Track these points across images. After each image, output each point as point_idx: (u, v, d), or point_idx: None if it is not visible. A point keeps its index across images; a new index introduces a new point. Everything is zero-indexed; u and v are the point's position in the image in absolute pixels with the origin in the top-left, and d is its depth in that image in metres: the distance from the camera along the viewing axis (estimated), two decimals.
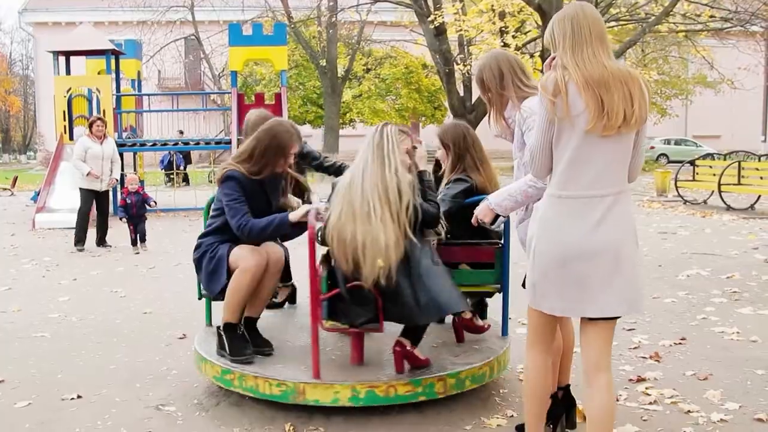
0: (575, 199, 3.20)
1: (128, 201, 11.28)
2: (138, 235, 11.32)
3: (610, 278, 3.19)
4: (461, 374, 4.34)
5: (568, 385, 4.08)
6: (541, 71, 16.53)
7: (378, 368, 4.41)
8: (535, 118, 3.56)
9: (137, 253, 11.17)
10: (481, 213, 3.95)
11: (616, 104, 3.09)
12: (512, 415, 4.36)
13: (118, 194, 15.62)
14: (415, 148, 4.43)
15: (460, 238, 4.81)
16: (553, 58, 3.25)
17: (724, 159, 20.75)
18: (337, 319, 4.34)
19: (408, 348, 4.29)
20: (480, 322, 4.93)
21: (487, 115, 4.06)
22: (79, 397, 4.82)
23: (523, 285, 3.91)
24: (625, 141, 3.19)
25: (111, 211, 12.42)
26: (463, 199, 4.70)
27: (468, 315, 4.81)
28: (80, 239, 11.51)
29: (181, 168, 25.84)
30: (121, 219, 11.44)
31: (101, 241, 11.66)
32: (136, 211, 11.29)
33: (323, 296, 4.26)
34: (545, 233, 3.26)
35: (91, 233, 11.69)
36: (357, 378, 4.24)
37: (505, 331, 5.04)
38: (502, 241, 4.77)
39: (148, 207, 11.45)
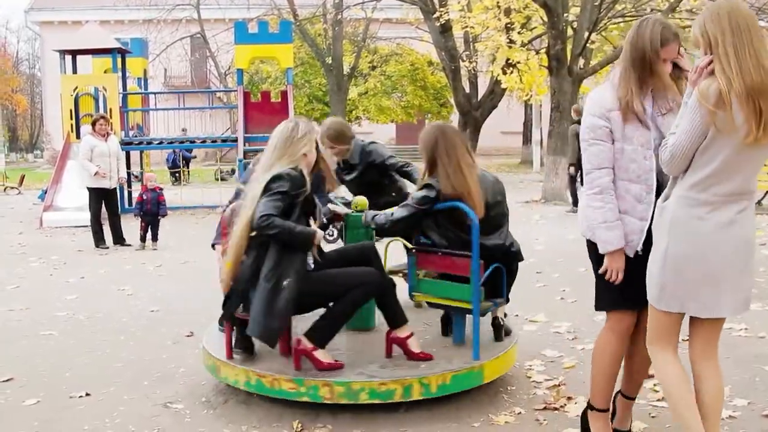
0: (713, 203, 3.17)
1: (144, 197, 11.38)
2: (151, 233, 11.39)
3: (741, 277, 3.26)
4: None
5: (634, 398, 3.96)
6: (548, 68, 16.19)
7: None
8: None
9: (139, 249, 11.23)
10: (613, 265, 3.51)
11: None
12: (520, 412, 4.35)
13: (125, 192, 15.67)
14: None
15: (437, 246, 4.65)
16: (710, 62, 3.06)
17: None
18: None
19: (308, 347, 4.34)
20: (415, 350, 4.51)
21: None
22: (87, 395, 4.84)
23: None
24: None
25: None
26: (420, 204, 4.58)
27: (404, 333, 4.53)
28: (100, 239, 11.56)
29: (183, 166, 25.85)
30: (135, 216, 11.54)
31: (119, 240, 11.69)
32: (150, 209, 11.35)
33: None
34: (679, 234, 3.21)
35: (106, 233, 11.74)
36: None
37: (476, 355, 4.49)
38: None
39: (160, 211, 11.47)
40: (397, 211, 4.68)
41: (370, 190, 5.66)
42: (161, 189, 11.85)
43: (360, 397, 4.19)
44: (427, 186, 4.60)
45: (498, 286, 4.66)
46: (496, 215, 4.69)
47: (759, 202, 16.59)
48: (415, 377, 4.23)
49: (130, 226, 12.20)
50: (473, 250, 4.36)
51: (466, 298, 4.47)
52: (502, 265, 4.61)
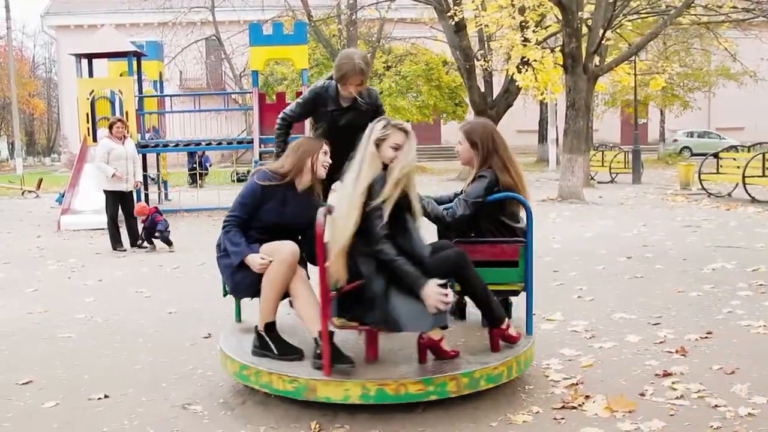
0: None
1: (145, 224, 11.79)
2: (162, 239, 11.52)
3: None
4: (475, 374, 4.29)
5: None
6: (563, 66, 16.12)
7: (391, 366, 4.40)
8: None
9: (149, 251, 11.41)
10: None
11: None
12: (538, 411, 4.34)
13: (141, 195, 15.73)
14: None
15: (484, 236, 4.88)
16: None
17: (748, 151, 20.65)
18: (346, 316, 4.42)
19: (435, 339, 4.36)
20: (513, 333, 4.71)
21: None
22: (105, 397, 4.85)
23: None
24: None
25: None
26: (485, 197, 4.80)
27: (504, 324, 4.66)
28: (117, 241, 11.66)
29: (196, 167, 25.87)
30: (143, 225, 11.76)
31: (136, 242, 11.77)
32: (150, 230, 11.73)
33: (333, 294, 4.33)
34: None
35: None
36: (368, 375, 4.24)
37: (529, 330, 4.93)
38: (526, 239, 4.80)
39: (157, 229, 11.68)
40: (458, 209, 4.80)
41: (353, 138, 4.75)
42: (156, 211, 11.92)
43: (480, 384, 4.31)
44: (482, 177, 4.85)
45: None
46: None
47: (729, 194, 16.84)
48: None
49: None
50: (528, 235, 4.79)
51: (515, 280, 4.84)
52: None
